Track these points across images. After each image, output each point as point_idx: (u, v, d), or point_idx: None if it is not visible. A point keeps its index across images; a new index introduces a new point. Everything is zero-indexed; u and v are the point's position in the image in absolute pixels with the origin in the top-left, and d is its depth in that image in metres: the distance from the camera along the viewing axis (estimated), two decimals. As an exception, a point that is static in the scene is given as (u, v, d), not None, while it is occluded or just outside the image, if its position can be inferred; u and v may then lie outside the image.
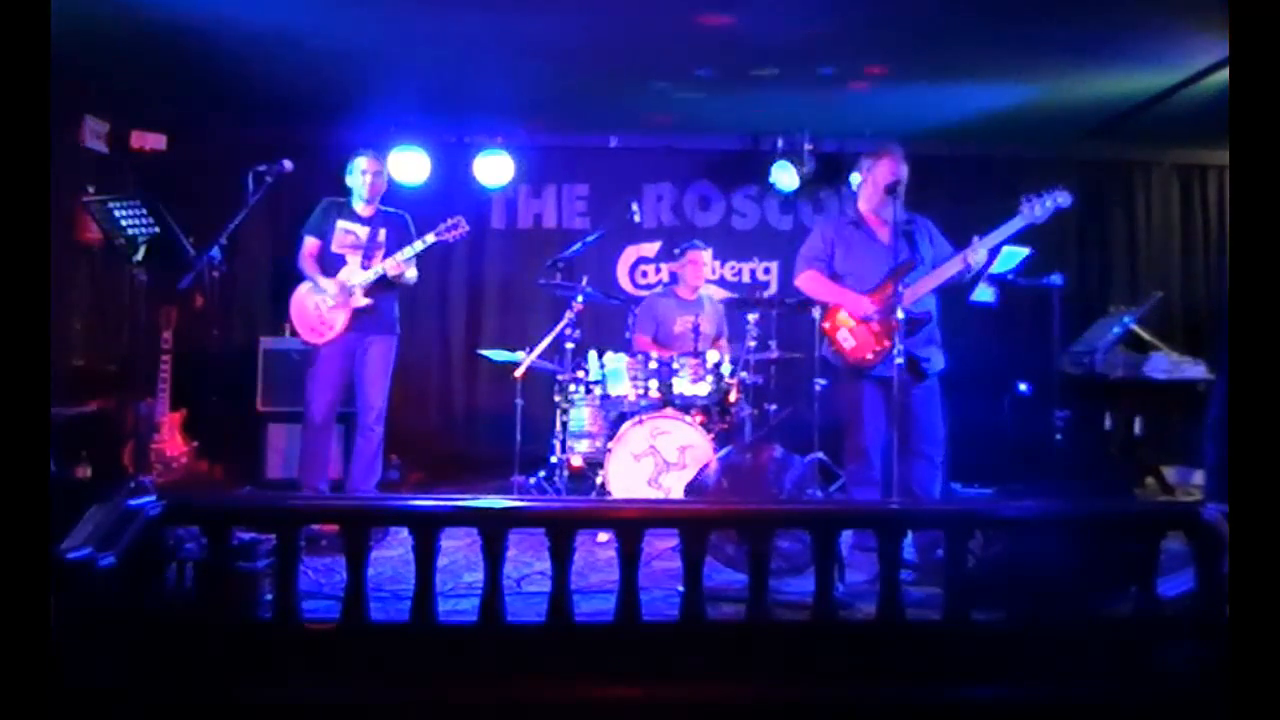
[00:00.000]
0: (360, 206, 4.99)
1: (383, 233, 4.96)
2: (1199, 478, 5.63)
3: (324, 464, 4.96)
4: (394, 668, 2.61)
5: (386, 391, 4.96)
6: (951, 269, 4.20)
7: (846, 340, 4.26)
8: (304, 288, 4.93)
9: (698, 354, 5.25)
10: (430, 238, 4.85)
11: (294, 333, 5.09)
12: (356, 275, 4.85)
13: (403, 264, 4.82)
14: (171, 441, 5.68)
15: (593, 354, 5.39)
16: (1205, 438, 3.80)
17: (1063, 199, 4.14)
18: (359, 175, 4.94)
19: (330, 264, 4.90)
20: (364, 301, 4.83)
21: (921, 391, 4.24)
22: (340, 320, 4.84)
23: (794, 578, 3.59)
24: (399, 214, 5.08)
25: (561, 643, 2.67)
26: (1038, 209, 4.13)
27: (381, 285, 4.88)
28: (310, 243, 4.95)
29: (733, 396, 5.33)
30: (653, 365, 5.19)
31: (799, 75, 5.57)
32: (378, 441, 4.93)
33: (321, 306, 4.86)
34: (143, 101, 6.13)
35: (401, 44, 5.16)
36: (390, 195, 5.17)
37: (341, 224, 4.94)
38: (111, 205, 3.93)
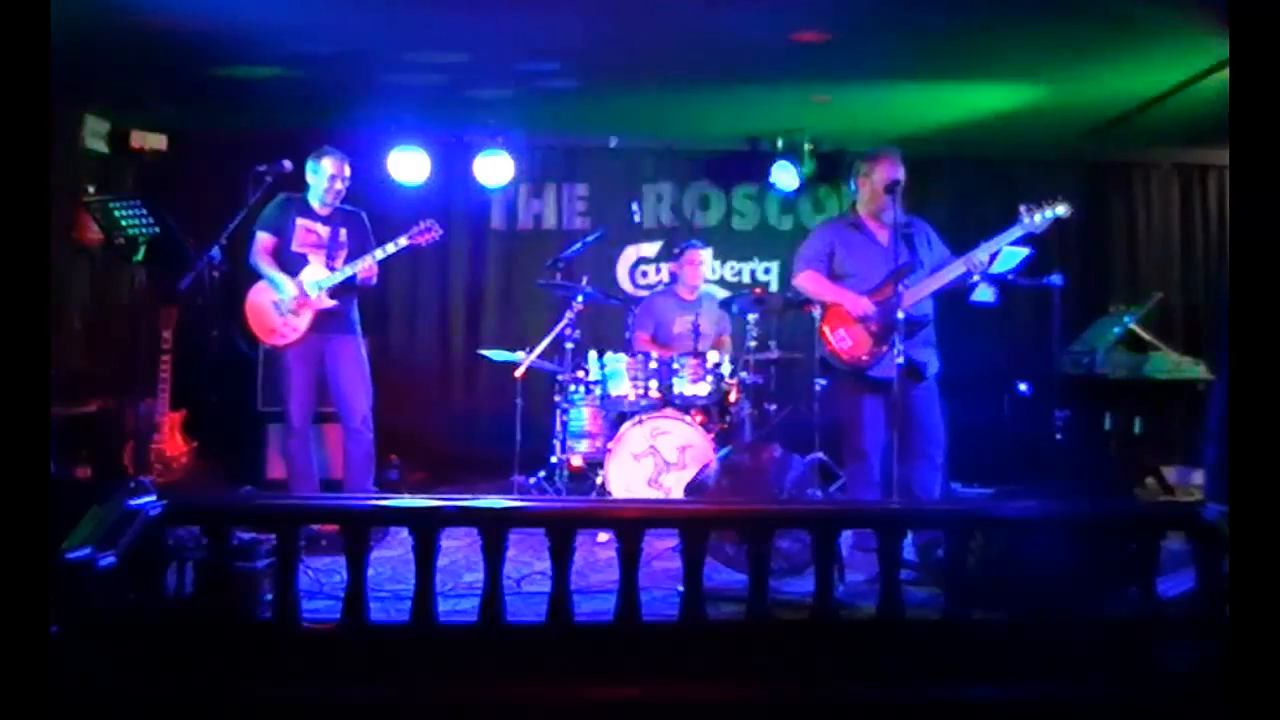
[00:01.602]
0: (317, 204, 4.81)
1: (343, 232, 4.81)
2: (1199, 478, 5.63)
3: (311, 471, 4.87)
4: (394, 668, 2.61)
5: (369, 393, 4.85)
6: (952, 273, 4.20)
7: (843, 340, 4.26)
8: (260, 287, 4.74)
9: (698, 354, 5.25)
10: (403, 240, 4.70)
11: (249, 335, 4.89)
12: (323, 276, 4.69)
13: (374, 265, 4.70)
14: (171, 441, 5.67)
15: (593, 354, 5.39)
16: (1205, 438, 3.80)
17: (1061, 209, 4.13)
18: (324, 178, 4.74)
19: (291, 263, 4.72)
20: (330, 303, 4.68)
21: (921, 392, 4.25)
22: (303, 322, 4.68)
23: (794, 578, 3.59)
24: (356, 211, 4.93)
25: (561, 643, 2.67)
26: (1036, 218, 4.13)
27: (344, 287, 4.74)
28: (265, 239, 4.74)
29: (733, 396, 5.34)
30: (653, 365, 5.19)
31: (799, 75, 5.57)
32: (369, 444, 4.84)
33: (282, 307, 4.68)
34: (143, 101, 6.12)
35: (402, 44, 5.16)
36: (390, 195, 5.14)
37: (302, 222, 4.76)
38: (111, 205, 3.95)
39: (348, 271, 4.69)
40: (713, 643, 2.73)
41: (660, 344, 5.76)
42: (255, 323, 4.77)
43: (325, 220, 4.82)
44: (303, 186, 4.85)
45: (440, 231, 4.81)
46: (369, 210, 5.10)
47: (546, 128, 6.81)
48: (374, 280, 4.80)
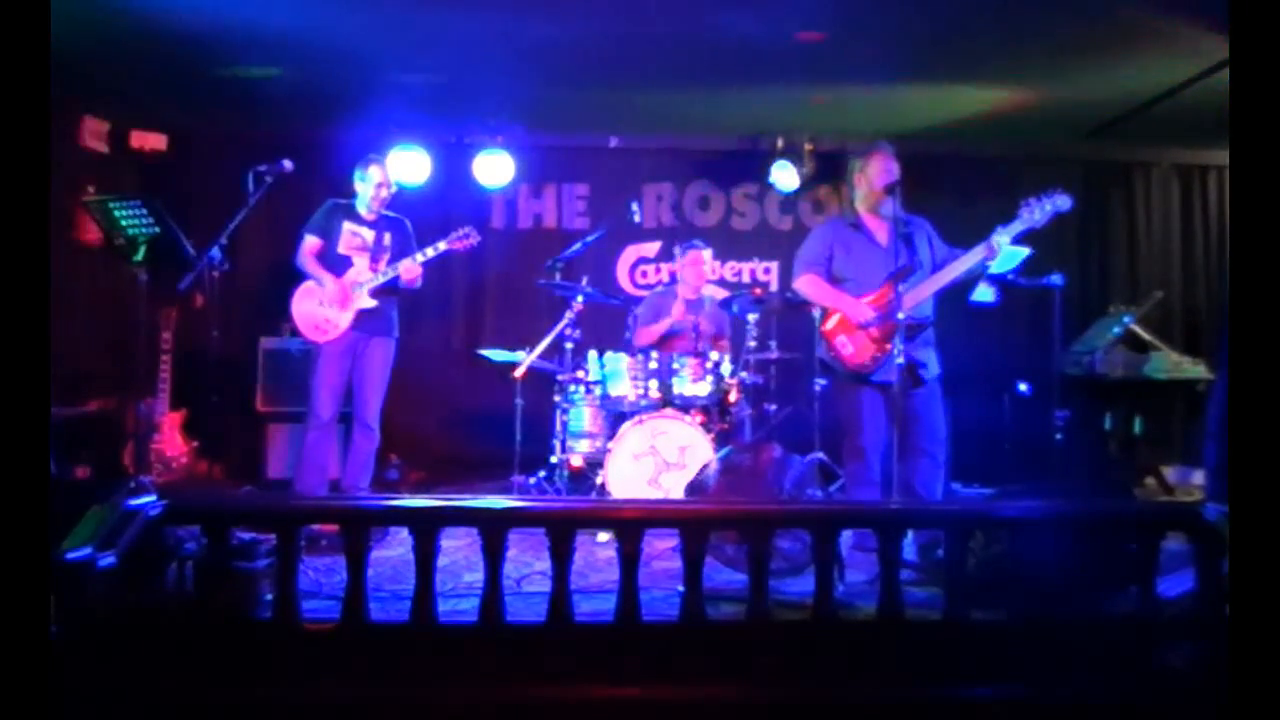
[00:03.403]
0: (364, 210, 5.03)
1: (388, 236, 5.03)
2: (1199, 478, 5.63)
3: (324, 466, 4.97)
4: (394, 668, 2.61)
5: (384, 393, 4.99)
6: (968, 262, 4.16)
7: (845, 346, 4.25)
8: (306, 286, 4.96)
9: (698, 354, 5.24)
10: (442, 245, 4.92)
11: (295, 332, 5.11)
12: (365, 277, 4.90)
13: (417, 268, 4.89)
14: (171, 441, 5.68)
15: (593, 354, 5.39)
16: (1205, 438, 3.80)
17: (1062, 202, 4.12)
18: (371, 186, 4.97)
19: (336, 265, 4.93)
20: (370, 303, 4.88)
21: (923, 391, 4.24)
22: (345, 319, 4.88)
23: (794, 578, 3.59)
24: (399, 218, 5.13)
25: (561, 643, 2.67)
26: (1037, 213, 4.12)
27: (385, 289, 4.93)
28: (312, 242, 4.97)
29: (733, 396, 5.33)
30: (653, 365, 5.19)
31: (799, 75, 5.57)
32: (376, 443, 4.97)
33: (326, 305, 4.89)
34: (143, 101, 6.12)
35: (401, 44, 5.16)
36: (390, 195, 5.17)
37: (348, 226, 4.98)
38: (111, 205, 3.94)
39: (390, 274, 4.91)
40: (713, 643, 2.73)
41: (661, 341, 5.75)
42: (300, 320, 4.97)
43: (371, 225, 5.03)
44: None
45: (479, 238, 5.04)
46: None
47: (546, 128, 6.81)
48: (419, 283, 5.02)
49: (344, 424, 5.32)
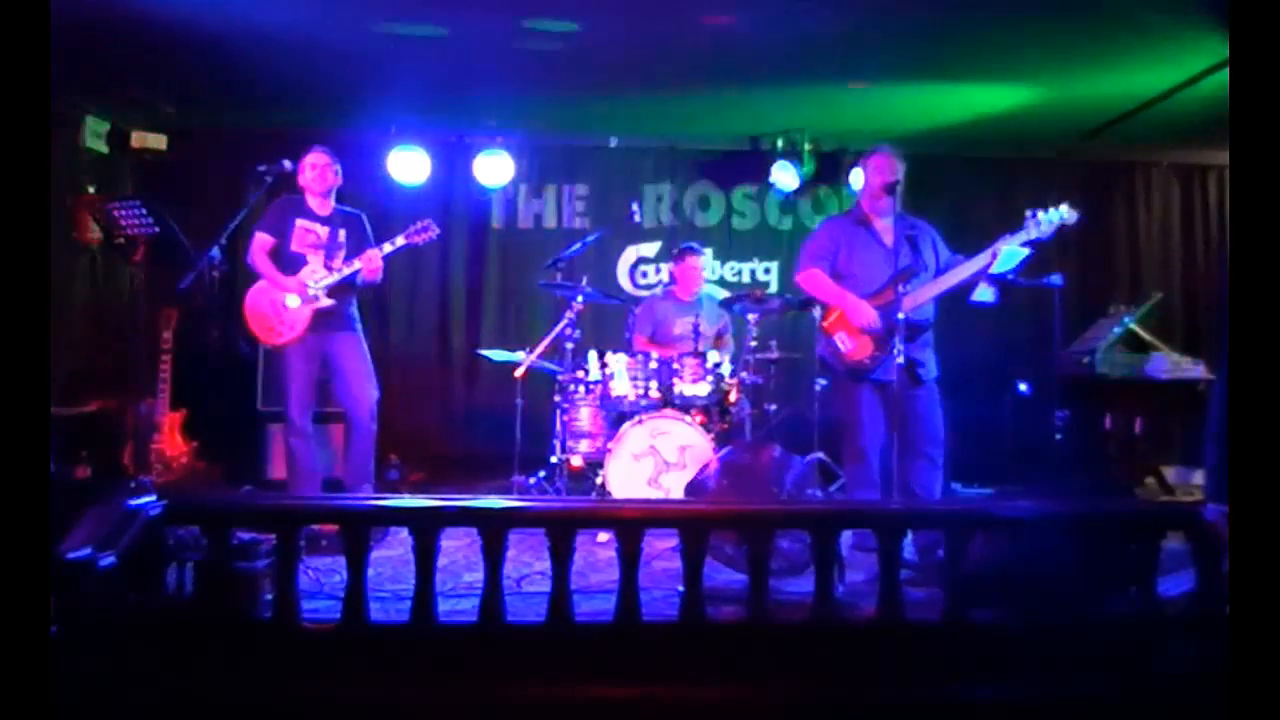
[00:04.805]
0: (317, 204, 4.84)
1: (342, 233, 4.86)
2: (1199, 478, 5.63)
3: (313, 470, 4.87)
4: (394, 668, 2.61)
5: (375, 386, 4.87)
6: (973, 268, 4.16)
7: (845, 342, 4.26)
8: (259, 286, 4.78)
9: (698, 354, 5.25)
10: (400, 240, 4.75)
11: (249, 335, 4.93)
12: (322, 275, 4.74)
13: (378, 260, 4.72)
14: (171, 441, 5.68)
15: (593, 354, 5.39)
16: (1205, 438, 3.80)
17: (1069, 215, 4.08)
18: (308, 170, 4.77)
19: (289, 263, 4.76)
20: (328, 302, 4.72)
21: (922, 392, 4.24)
22: (302, 321, 4.72)
23: (794, 578, 3.58)
24: (355, 213, 4.98)
25: (561, 643, 2.67)
26: (1044, 225, 4.07)
27: (342, 286, 4.78)
28: (263, 239, 4.77)
29: (733, 396, 5.33)
30: (653, 365, 5.19)
31: (799, 75, 5.57)
32: (373, 439, 4.87)
33: (280, 306, 4.72)
34: (143, 101, 6.13)
35: (402, 44, 5.16)
36: (390, 195, 5.16)
37: (301, 223, 4.79)
38: (111, 205, 3.96)
39: (345, 271, 4.73)
40: (713, 643, 2.73)
41: (660, 345, 5.76)
42: (255, 322, 4.80)
43: (324, 221, 4.85)
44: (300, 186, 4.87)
45: (438, 231, 4.86)
46: (369, 210, 5.12)
47: (546, 128, 6.81)
48: (379, 278, 4.83)
49: (329, 422, 5.26)
